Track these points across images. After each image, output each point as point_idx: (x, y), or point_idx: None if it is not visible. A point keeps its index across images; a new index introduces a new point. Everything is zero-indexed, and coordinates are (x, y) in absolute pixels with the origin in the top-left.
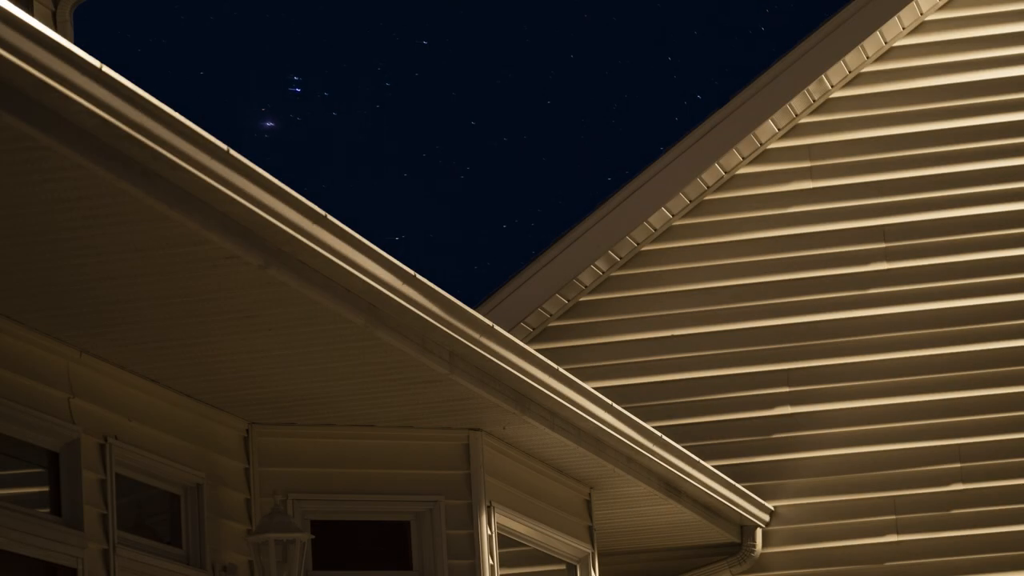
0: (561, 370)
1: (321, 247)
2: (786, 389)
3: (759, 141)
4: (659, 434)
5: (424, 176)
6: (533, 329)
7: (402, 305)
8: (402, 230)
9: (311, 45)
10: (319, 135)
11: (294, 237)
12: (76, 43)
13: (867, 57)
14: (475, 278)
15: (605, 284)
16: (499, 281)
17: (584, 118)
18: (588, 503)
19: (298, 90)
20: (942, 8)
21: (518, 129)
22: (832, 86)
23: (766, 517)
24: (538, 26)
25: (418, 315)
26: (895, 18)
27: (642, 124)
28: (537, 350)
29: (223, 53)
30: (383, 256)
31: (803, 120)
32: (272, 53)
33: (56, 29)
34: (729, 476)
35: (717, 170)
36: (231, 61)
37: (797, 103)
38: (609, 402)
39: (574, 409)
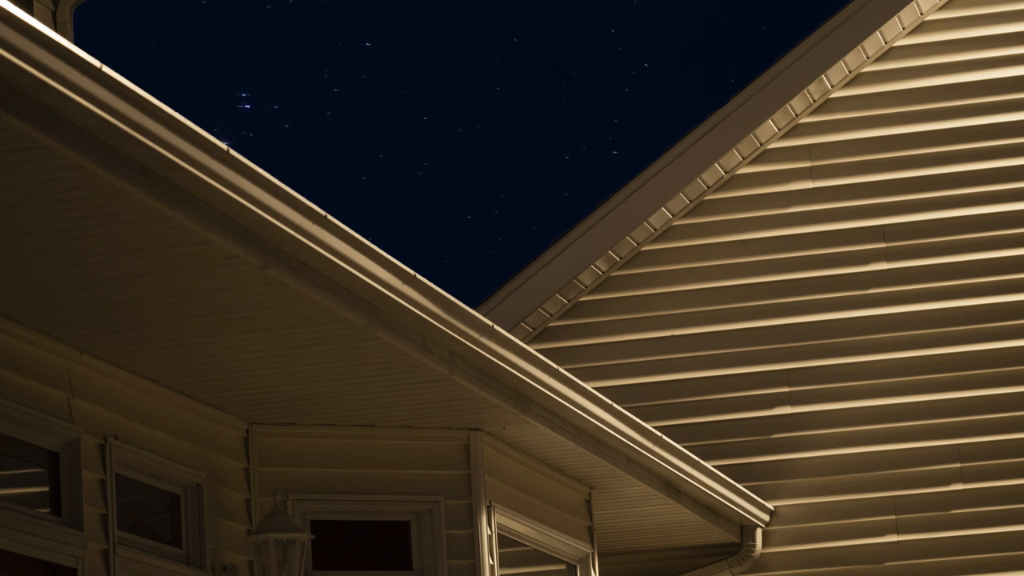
0: (561, 370)
1: (321, 247)
2: (786, 389)
3: (759, 141)
4: (659, 434)
5: (383, 176)
6: (533, 329)
7: (402, 305)
8: (368, 232)
9: (255, 60)
10: (273, 148)
11: (294, 237)
12: (76, 43)
13: (867, 57)
14: (446, 272)
15: (605, 284)
16: (469, 273)
17: (535, 100)
18: (588, 503)
19: (247, 106)
20: (942, 8)
21: (471, 119)
22: (832, 86)
23: (766, 517)
24: (479, 14)
25: (418, 315)
26: (895, 18)
27: (593, 99)
28: (537, 350)
29: (169, 77)
30: (383, 256)
31: (803, 120)
32: (217, 72)
33: (56, 29)
34: (729, 476)
35: (717, 170)
36: (177, 84)
37: (797, 103)
38: (609, 402)
39: (574, 409)
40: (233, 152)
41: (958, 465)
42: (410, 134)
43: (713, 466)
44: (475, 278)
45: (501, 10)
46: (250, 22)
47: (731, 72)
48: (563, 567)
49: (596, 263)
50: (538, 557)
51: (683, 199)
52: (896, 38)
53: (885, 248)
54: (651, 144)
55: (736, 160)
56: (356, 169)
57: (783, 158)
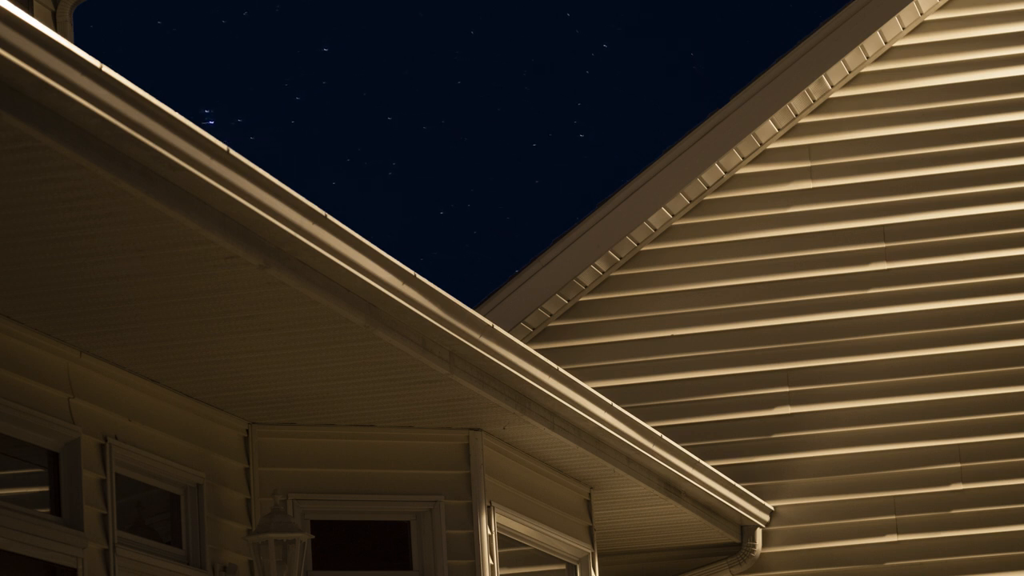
0: (561, 370)
1: (321, 247)
2: (786, 389)
3: (759, 141)
4: (659, 434)
5: (353, 180)
6: (533, 329)
7: (402, 305)
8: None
9: (216, 75)
10: None
11: (294, 237)
12: (76, 43)
13: (867, 57)
14: (423, 269)
15: (605, 284)
16: (445, 268)
17: (496, 91)
18: (588, 503)
19: (212, 122)
20: (942, 8)
21: (435, 115)
22: (832, 86)
23: (766, 517)
24: (434, 10)
25: (418, 315)
26: (895, 18)
27: (554, 85)
28: (537, 350)
29: None
30: (383, 256)
31: (803, 120)
32: (178, 89)
33: (56, 29)
34: (729, 476)
35: (717, 170)
36: None
37: (797, 103)
38: (609, 402)
39: (574, 409)
40: (233, 152)
41: (958, 465)
42: (376, 135)
43: (713, 466)
44: (450, 272)
45: (456, 4)
46: (208, 38)
47: (692, 47)
48: (563, 567)
49: (596, 263)
50: (538, 557)
51: (683, 199)
52: (896, 38)
53: (885, 248)
54: (617, 124)
55: (736, 160)
56: (325, 174)
57: (783, 158)
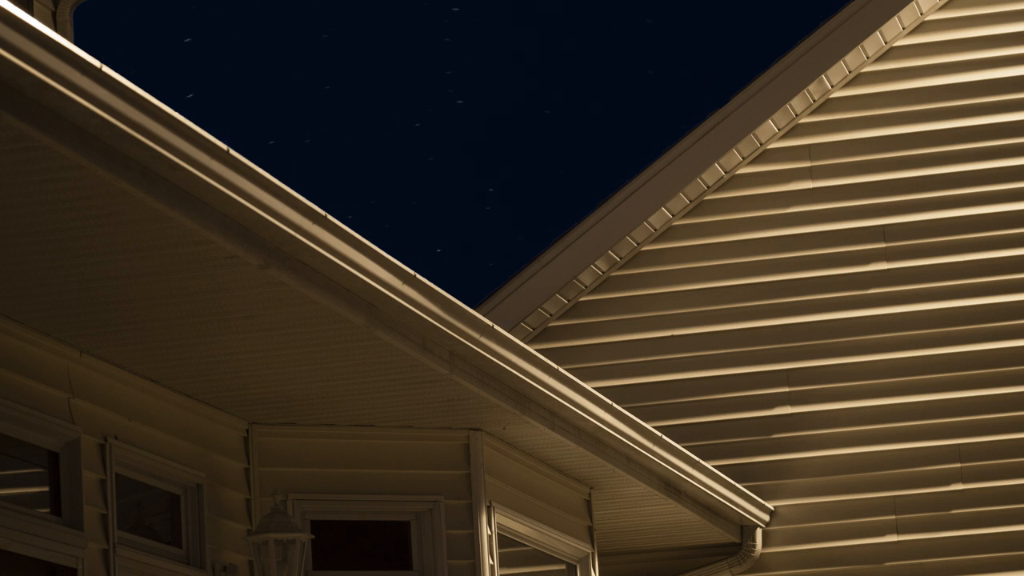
0: (561, 370)
1: (321, 247)
2: (786, 389)
3: (759, 141)
4: (659, 434)
5: None
6: (533, 329)
7: (402, 305)
8: None
9: None
10: None
11: (294, 237)
12: (76, 43)
13: (867, 57)
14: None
15: (605, 284)
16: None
17: (365, 85)
18: (588, 503)
19: None
20: (942, 8)
21: (313, 125)
22: (832, 86)
23: (766, 517)
24: (281, 24)
25: (418, 315)
26: (895, 18)
27: (419, 61)
28: (537, 350)
29: None
30: (383, 256)
31: (803, 120)
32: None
33: (56, 29)
34: (729, 476)
35: (717, 170)
36: None
37: (797, 103)
38: (609, 402)
39: (574, 409)
40: (233, 152)
41: (958, 465)
42: (262, 162)
43: (713, 466)
44: None
45: (303, 13)
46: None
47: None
48: (563, 567)
49: (596, 263)
50: (538, 557)
51: (683, 199)
52: (896, 38)
53: (885, 248)
54: (489, 81)
55: (736, 160)
56: None
57: (783, 158)
